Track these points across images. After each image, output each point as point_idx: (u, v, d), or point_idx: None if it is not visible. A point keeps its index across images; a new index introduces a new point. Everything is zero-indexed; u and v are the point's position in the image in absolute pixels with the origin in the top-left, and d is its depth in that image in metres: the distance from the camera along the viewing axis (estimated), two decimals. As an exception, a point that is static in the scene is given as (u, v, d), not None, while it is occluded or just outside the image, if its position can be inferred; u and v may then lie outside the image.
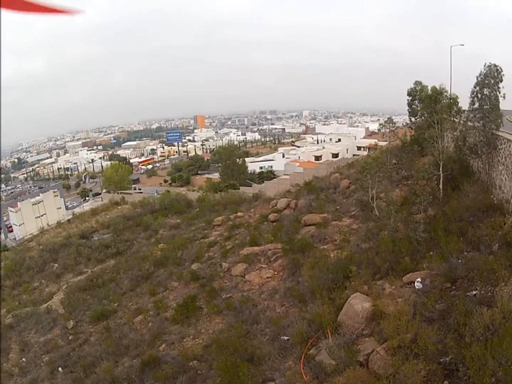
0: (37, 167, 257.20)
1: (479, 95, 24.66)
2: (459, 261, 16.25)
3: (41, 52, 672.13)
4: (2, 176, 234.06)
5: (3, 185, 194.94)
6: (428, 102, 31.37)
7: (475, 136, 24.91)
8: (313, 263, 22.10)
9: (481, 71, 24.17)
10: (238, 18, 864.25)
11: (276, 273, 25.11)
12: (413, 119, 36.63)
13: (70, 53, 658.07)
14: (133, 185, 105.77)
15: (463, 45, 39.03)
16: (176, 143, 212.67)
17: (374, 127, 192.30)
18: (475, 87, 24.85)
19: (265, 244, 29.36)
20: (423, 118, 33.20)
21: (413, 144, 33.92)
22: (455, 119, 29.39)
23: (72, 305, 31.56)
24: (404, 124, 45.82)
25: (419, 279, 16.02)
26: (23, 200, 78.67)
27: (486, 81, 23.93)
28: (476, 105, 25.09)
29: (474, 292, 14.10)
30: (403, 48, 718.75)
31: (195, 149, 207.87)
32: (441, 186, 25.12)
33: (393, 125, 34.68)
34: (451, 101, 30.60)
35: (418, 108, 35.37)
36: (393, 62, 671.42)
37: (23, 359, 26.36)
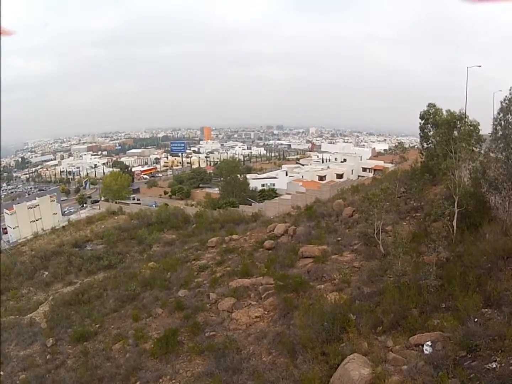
0: (40, 168, 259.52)
1: (503, 123, 22.29)
2: (476, 320, 13.99)
3: (50, 53, 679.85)
4: (5, 174, 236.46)
5: (4, 184, 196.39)
6: (446, 128, 29.16)
7: (497, 168, 22.63)
8: (307, 306, 19.81)
9: (505, 96, 21.89)
10: (248, 30, 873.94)
11: (266, 312, 22.63)
12: (425, 145, 34.58)
13: (79, 56, 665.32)
14: (133, 195, 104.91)
15: (480, 66, 37.11)
16: (180, 154, 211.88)
17: (380, 147, 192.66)
18: (498, 113, 22.49)
19: (257, 276, 27.08)
20: (436, 144, 31.17)
21: (424, 172, 31.74)
22: (474, 148, 27.06)
23: (55, 320, 30.27)
24: (411, 145, 43.62)
25: (429, 343, 13.71)
26: (18, 203, 78.73)
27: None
28: (500, 133, 22.77)
29: (493, 365, 11.89)
30: (410, 67, 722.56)
31: (199, 161, 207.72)
32: (455, 223, 22.80)
33: (404, 150, 32.58)
34: (471, 128, 28.29)
35: (431, 133, 33.37)
36: (400, 81, 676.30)
37: (1, 372, 24.84)
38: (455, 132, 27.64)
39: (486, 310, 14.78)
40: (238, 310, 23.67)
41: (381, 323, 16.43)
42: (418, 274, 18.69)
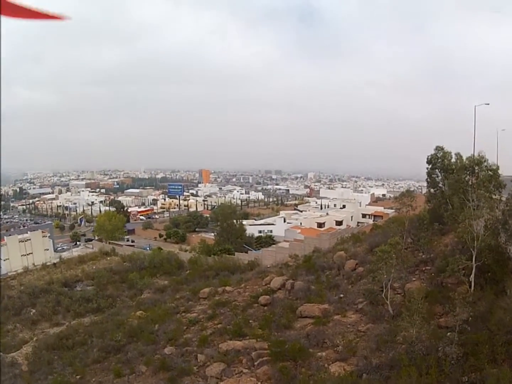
0: (37, 200, 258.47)
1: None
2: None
3: (52, 87, 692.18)
4: (2, 203, 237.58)
5: (1, 213, 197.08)
6: (462, 174, 27.30)
7: None
8: (307, 378, 17.43)
9: None
10: (249, 76, 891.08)
11: (259, 383, 19.94)
12: (432, 190, 32.77)
13: (79, 92, 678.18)
14: (127, 236, 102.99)
15: (488, 104, 35.79)
16: (178, 196, 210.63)
17: (379, 192, 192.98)
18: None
19: (250, 338, 24.62)
20: (448, 191, 29.39)
21: (433, 221, 29.79)
22: (493, 195, 25.09)
23: (37, 364, 29.52)
24: (409, 189, 41.64)
25: None
26: (10, 235, 78.43)
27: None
28: None
29: None
30: (408, 113, 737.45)
31: (196, 204, 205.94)
32: (472, 278, 20.71)
33: (412, 198, 30.56)
34: (491, 173, 26.40)
35: (439, 178, 31.60)
36: (397, 126, 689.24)
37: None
38: (472, 178, 25.87)
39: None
40: (228, 377, 21.08)
41: (394, 402, 14.18)
42: (436, 342, 16.55)
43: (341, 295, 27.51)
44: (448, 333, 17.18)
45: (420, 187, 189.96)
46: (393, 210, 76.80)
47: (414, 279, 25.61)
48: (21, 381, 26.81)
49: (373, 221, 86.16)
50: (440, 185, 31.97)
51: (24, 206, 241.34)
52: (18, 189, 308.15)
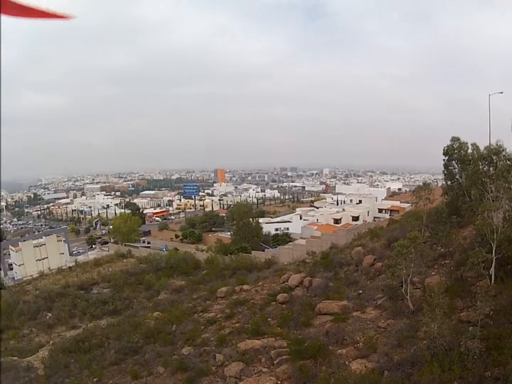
0: (52, 205, 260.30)
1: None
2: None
3: (62, 88, 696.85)
4: (16, 209, 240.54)
5: (15, 219, 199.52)
6: (478, 164, 26.73)
7: None
8: (327, 376, 17.09)
9: None
10: (259, 72, 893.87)
11: (279, 382, 19.49)
12: (449, 183, 32.19)
13: (92, 93, 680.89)
14: (143, 238, 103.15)
15: (502, 92, 35.15)
16: (193, 197, 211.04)
17: (394, 186, 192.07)
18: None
19: (269, 336, 24.30)
20: (465, 182, 28.85)
21: (451, 213, 29.23)
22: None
23: (53, 368, 28.50)
24: (424, 183, 40.88)
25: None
26: (24, 240, 78.37)
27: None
28: None
29: None
30: (420, 105, 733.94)
31: (212, 204, 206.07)
32: (492, 271, 20.30)
33: (430, 191, 29.88)
34: (510, 162, 25.80)
35: (456, 170, 31.02)
36: (409, 120, 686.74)
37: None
38: (490, 168, 25.34)
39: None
40: (247, 377, 20.74)
41: (417, 400, 13.84)
42: (457, 337, 16.19)
43: (360, 291, 27.11)
44: (470, 328, 16.85)
45: (435, 180, 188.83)
46: (409, 204, 76.00)
47: (433, 273, 25.16)
48: None
49: (390, 215, 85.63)
50: (457, 177, 31.42)
51: (39, 212, 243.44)
52: (32, 195, 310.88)
